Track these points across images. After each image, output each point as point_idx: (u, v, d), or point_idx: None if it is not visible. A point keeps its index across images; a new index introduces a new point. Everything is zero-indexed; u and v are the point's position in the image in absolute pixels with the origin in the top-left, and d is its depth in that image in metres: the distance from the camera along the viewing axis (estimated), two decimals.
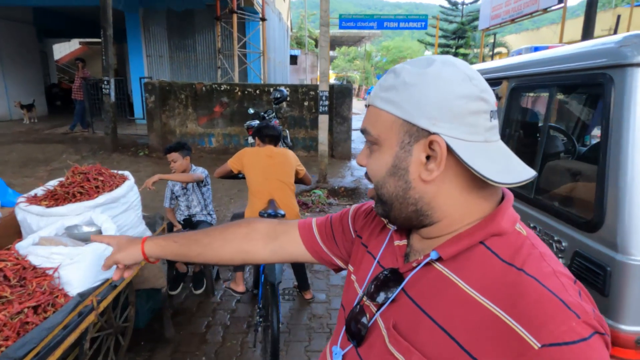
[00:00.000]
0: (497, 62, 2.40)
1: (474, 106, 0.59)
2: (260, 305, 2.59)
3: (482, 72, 2.41)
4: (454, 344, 0.55)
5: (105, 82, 8.37)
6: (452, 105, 0.58)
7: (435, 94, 0.59)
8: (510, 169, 0.59)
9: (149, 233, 2.55)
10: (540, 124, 2.25)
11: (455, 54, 27.11)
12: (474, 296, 0.56)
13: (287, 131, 8.18)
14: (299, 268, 3.30)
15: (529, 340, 0.50)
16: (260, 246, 0.93)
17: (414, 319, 0.61)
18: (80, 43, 24.02)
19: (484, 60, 20.17)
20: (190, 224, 3.43)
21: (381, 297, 0.66)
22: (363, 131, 0.67)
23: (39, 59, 15.68)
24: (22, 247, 1.82)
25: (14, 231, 2.22)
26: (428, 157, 0.61)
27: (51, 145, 9.07)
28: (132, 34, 12.17)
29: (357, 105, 25.04)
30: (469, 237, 0.61)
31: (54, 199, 2.14)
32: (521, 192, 1.92)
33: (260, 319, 2.50)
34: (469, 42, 27.35)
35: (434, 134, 0.59)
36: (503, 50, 22.28)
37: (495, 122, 0.62)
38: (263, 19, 11.89)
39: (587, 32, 8.18)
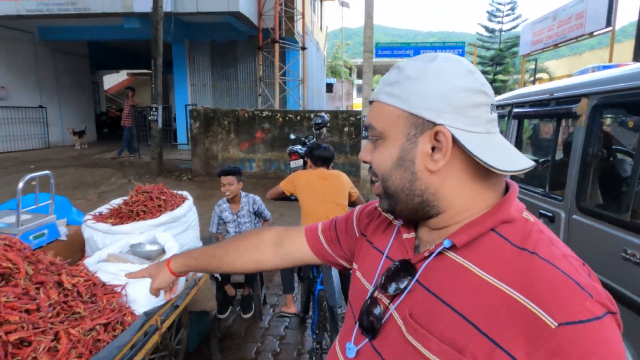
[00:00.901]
0: (574, 79, 2.29)
1: (476, 99, 0.61)
2: (317, 331, 2.49)
3: (554, 90, 2.31)
4: (472, 328, 0.56)
5: (154, 109, 8.72)
6: (455, 97, 0.61)
7: (439, 87, 0.61)
8: (512, 159, 0.61)
9: None
10: (632, 144, 2.10)
11: (494, 81, 26.79)
12: (489, 280, 0.58)
13: None
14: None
15: (546, 319, 0.52)
16: (269, 254, 1.00)
17: (430, 307, 0.62)
18: (127, 74, 25.43)
19: (524, 86, 19.77)
20: None
21: (393, 288, 0.67)
22: (368, 126, 0.69)
23: (91, 89, 16.69)
24: (91, 263, 1.82)
25: (79, 248, 2.26)
26: (433, 149, 0.63)
27: (100, 169, 9.46)
28: (178, 64, 12.75)
29: None
30: (480, 225, 0.62)
31: (119, 217, 2.17)
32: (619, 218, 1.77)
33: (317, 346, 2.40)
34: (508, 69, 26.98)
35: (439, 125, 0.61)
36: (544, 76, 21.80)
37: (495, 115, 0.65)
38: (303, 48, 12.19)
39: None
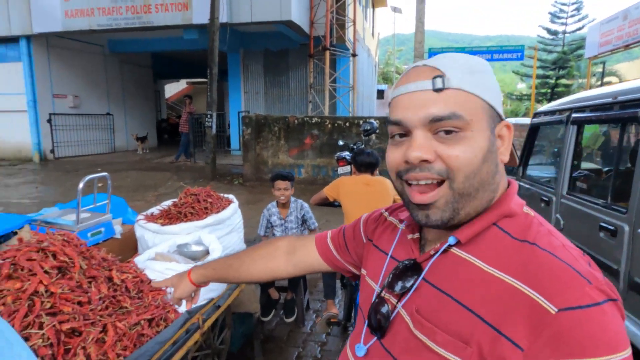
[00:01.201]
0: None
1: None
2: None
3: (618, 93, 2.13)
4: (475, 318, 0.58)
5: (209, 116, 9.10)
6: (500, 95, 0.68)
7: (495, 85, 0.67)
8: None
9: None
10: None
11: (556, 85, 25.32)
12: (492, 272, 0.60)
13: None
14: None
15: (546, 306, 0.53)
16: (283, 262, 1.02)
17: (436, 301, 0.64)
18: (187, 83, 26.79)
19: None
20: None
21: (399, 286, 0.68)
22: (449, 116, 0.62)
23: (153, 97, 17.74)
24: (140, 261, 1.92)
25: (132, 246, 2.39)
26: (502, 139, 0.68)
27: (159, 172, 10.00)
28: (232, 72, 13.24)
29: None
30: (484, 220, 0.64)
31: (168, 217, 2.27)
32: None
33: None
34: (572, 72, 25.39)
35: (504, 119, 0.67)
36: (614, 79, 20.29)
37: None
38: (354, 55, 12.21)
39: None
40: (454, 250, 0.66)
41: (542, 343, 0.52)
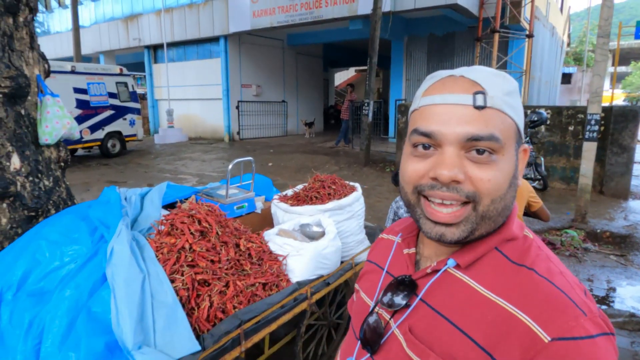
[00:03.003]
0: None
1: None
2: None
3: None
4: (470, 343, 0.57)
5: (366, 105, 9.43)
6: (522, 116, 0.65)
7: (521, 107, 0.64)
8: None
9: (367, 243, 2.74)
10: None
11: None
12: (488, 296, 0.59)
13: (542, 158, 7.23)
14: None
15: (539, 333, 0.53)
16: None
17: (431, 322, 0.63)
18: (355, 70, 27.92)
19: None
20: None
21: (394, 303, 0.67)
22: (488, 137, 0.59)
23: (322, 85, 19.13)
24: (268, 234, 2.26)
25: (270, 221, 2.79)
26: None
27: (319, 156, 10.87)
28: (395, 60, 13.31)
29: None
30: (486, 244, 0.63)
31: (297, 199, 2.58)
32: None
33: None
34: None
35: (524, 142, 0.67)
36: None
37: None
38: (529, 36, 10.92)
39: None
40: (452, 271, 0.65)
41: None
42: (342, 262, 2.37)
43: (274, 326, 1.83)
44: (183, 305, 1.60)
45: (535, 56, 12.25)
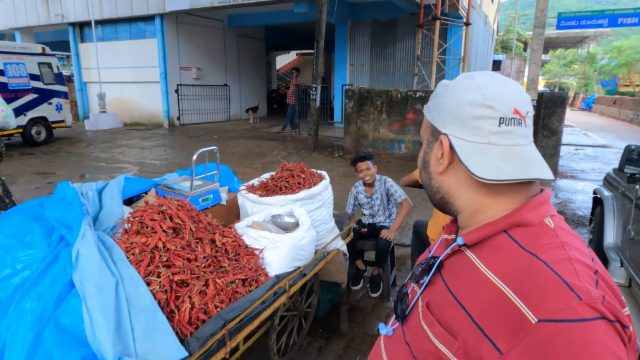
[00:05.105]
0: None
1: (478, 112, 0.67)
2: None
3: None
4: (468, 318, 0.62)
5: (313, 89, 9.37)
6: (459, 110, 0.69)
7: (449, 102, 0.71)
8: (501, 169, 0.65)
9: (337, 231, 2.73)
10: None
11: None
12: (490, 277, 0.63)
13: None
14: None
15: (527, 315, 0.55)
16: None
17: (443, 297, 0.69)
18: (296, 54, 27.63)
19: None
20: (373, 228, 3.51)
21: (419, 279, 0.77)
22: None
23: (264, 69, 18.72)
24: (240, 227, 2.17)
25: (235, 212, 2.68)
26: (442, 154, 0.72)
27: (266, 142, 10.69)
28: (339, 44, 13.32)
29: (571, 117, 21.58)
30: (492, 226, 0.68)
31: (266, 189, 2.50)
32: None
33: None
34: None
35: (443, 134, 0.71)
36: None
37: (510, 128, 0.67)
38: (467, 24, 11.40)
39: None
40: (468, 252, 0.71)
41: (520, 350, 0.54)
42: (315, 252, 2.35)
43: (256, 323, 1.77)
44: (162, 309, 1.50)
45: (471, 44, 12.83)
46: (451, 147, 0.69)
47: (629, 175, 3.00)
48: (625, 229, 3.05)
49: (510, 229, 0.66)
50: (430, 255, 0.81)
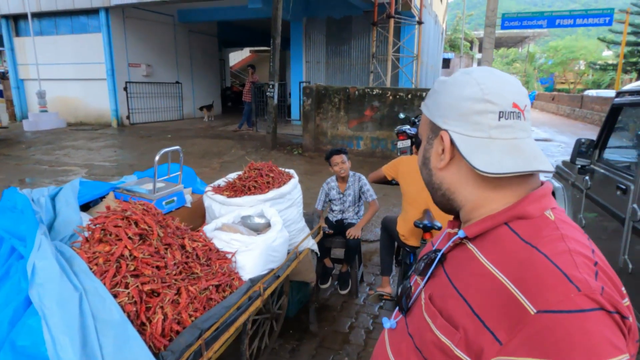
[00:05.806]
0: None
1: (478, 107, 0.68)
2: None
3: None
4: (469, 310, 0.63)
5: (271, 86, 9.25)
6: (459, 106, 0.69)
7: (449, 98, 0.71)
8: (503, 163, 0.65)
9: (307, 230, 2.69)
10: None
11: None
12: (490, 269, 0.63)
13: None
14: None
15: (527, 306, 0.55)
16: None
17: (445, 290, 0.70)
18: (250, 51, 27.18)
19: None
20: (341, 225, 3.51)
21: (421, 272, 0.78)
22: None
23: (218, 66, 18.25)
24: (209, 230, 2.08)
25: (201, 214, 2.57)
26: (443, 150, 0.72)
27: (223, 140, 10.43)
28: (295, 41, 13.23)
29: None
30: (493, 219, 0.68)
31: (234, 190, 2.41)
32: None
33: None
34: None
35: (443, 130, 0.71)
36: None
37: (510, 122, 0.68)
38: (420, 23, 11.69)
39: None
40: (469, 245, 0.72)
41: (519, 341, 0.55)
42: (287, 253, 2.29)
43: (232, 330, 1.69)
44: (132, 322, 1.39)
45: (423, 42, 13.18)
46: (452, 142, 0.70)
47: (579, 167, 3.18)
48: (576, 218, 3.23)
49: (511, 222, 0.67)
50: (433, 249, 0.82)
